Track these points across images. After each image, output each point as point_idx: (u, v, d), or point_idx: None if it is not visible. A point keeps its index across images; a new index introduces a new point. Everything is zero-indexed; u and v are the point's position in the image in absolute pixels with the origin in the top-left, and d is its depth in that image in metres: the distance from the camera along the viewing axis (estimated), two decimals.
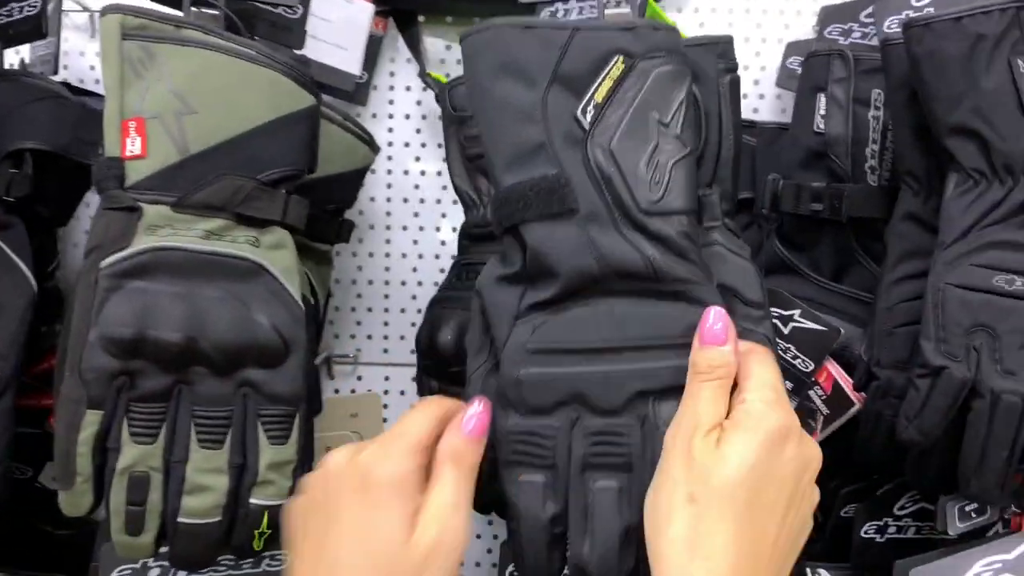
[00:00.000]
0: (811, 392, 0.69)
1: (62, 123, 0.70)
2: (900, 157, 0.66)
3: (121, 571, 0.57)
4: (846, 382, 0.67)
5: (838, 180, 0.70)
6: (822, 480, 0.45)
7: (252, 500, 0.52)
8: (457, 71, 0.86)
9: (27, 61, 0.83)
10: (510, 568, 0.61)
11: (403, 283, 0.87)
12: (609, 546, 0.45)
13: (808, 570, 0.68)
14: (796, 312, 0.68)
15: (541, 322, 0.48)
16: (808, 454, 0.43)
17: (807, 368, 0.69)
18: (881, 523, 0.70)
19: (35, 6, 0.74)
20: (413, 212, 0.88)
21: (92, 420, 0.50)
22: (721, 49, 0.56)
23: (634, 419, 0.46)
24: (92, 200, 0.83)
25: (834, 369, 0.68)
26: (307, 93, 0.57)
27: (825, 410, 0.69)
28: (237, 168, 0.54)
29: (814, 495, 0.44)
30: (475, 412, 0.45)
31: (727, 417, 0.43)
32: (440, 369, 0.63)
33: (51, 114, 0.70)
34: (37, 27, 0.74)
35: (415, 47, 0.84)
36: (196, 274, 0.53)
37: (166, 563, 0.58)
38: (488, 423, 0.45)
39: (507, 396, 0.47)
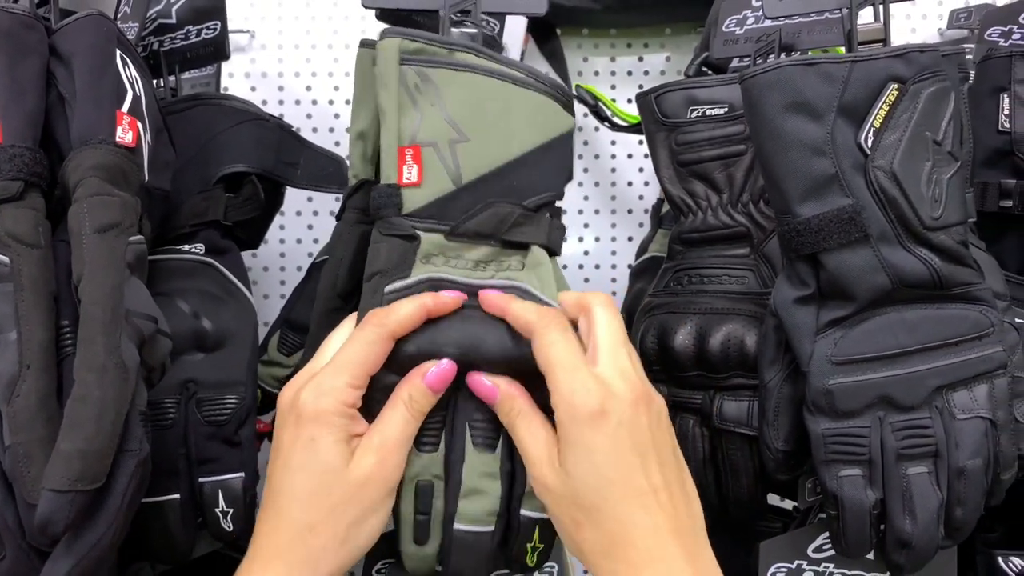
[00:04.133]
0: None
1: (266, 145, 0.70)
2: None
3: None
4: None
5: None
6: None
7: (523, 512, 0.52)
8: (595, 82, 0.89)
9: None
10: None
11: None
12: (929, 521, 0.53)
13: (1000, 559, 0.73)
14: None
15: (840, 336, 0.54)
16: (658, 406, 0.47)
17: None
18: None
19: (214, 29, 0.74)
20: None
21: None
22: (959, 59, 0.60)
23: (934, 411, 0.54)
24: None
25: None
26: (569, 115, 0.58)
27: None
28: (504, 195, 0.55)
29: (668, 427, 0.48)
30: (440, 367, 0.49)
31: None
32: (670, 374, 0.66)
33: (255, 136, 0.70)
34: (219, 49, 0.75)
35: (558, 60, 0.85)
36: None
37: None
38: (449, 380, 0.49)
39: (818, 404, 0.53)
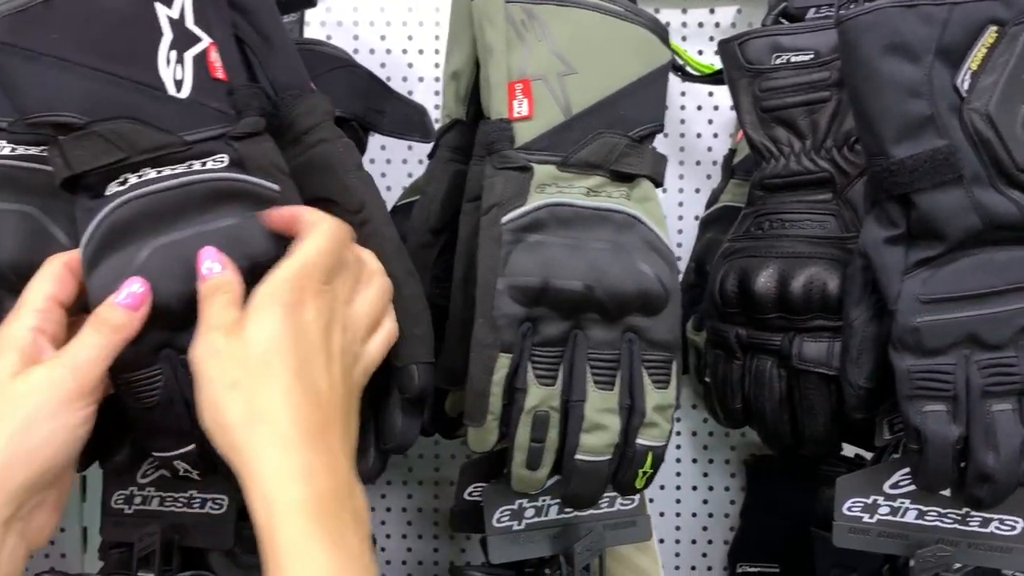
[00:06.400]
0: None
1: (356, 91, 0.72)
2: None
3: (502, 511, 0.61)
4: None
5: None
6: None
7: (639, 441, 0.56)
8: None
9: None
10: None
11: None
12: (1011, 456, 0.54)
13: None
14: None
15: (928, 275, 0.55)
16: (325, 305, 0.47)
17: None
18: None
19: None
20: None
21: (503, 363, 0.54)
22: None
23: (1020, 350, 0.54)
24: None
25: None
26: (666, 47, 0.60)
27: None
28: (611, 126, 0.57)
29: (346, 336, 0.48)
30: (133, 290, 0.46)
31: None
32: (749, 316, 0.67)
33: (346, 83, 0.72)
34: None
35: None
36: (583, 227, 0.56)
37: (540, 503, 0.62)
38: (147, 300, 0.47)
39: (904, 342, 0.55)
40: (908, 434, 0.55)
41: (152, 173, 0.48)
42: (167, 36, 0.49)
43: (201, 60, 0.50)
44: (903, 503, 0.62)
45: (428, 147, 0.82)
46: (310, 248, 0.47)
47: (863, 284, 0.58)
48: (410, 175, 0.96)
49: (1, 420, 0.43)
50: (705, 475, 0.96)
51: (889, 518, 0.62)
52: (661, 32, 0.60)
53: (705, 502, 0.96)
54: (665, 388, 0.57)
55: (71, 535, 0.96)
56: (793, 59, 0.69)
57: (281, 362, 0.44)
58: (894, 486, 0.63)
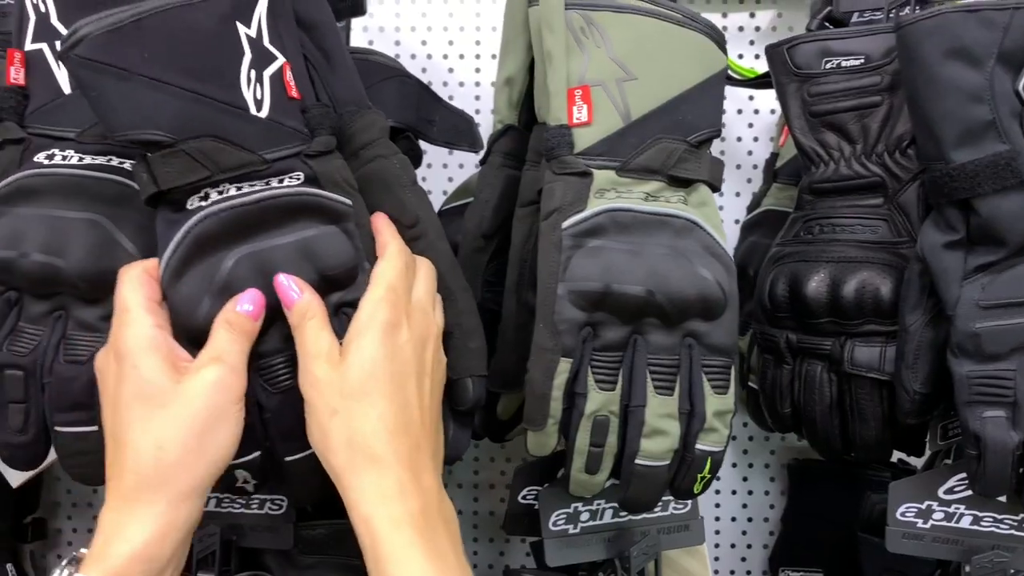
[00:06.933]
0: None
1: (407, 101, 0.73)
2: None
3: (558, 514, 0.61)
4: None
5: None
6: None
7: (698, 446, 0.56)
8: None
9: None
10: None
11: None
12: None
13: None
14: None
15: (988, 281, 0.55)
16: (421, 332, 0.50)
17: None
18: None
19: None
20: None
21: (564, 368, 0.54)
22: None
23: None
24: None
25: None
26: (722, 53, 0.60)
27: None
28: (669, 131, 0.58)
29: (440, 361, 0.53)
30: (255, 298, 0.48)
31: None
32: (800, 320, 0.67)
33: (398, 92, 0.73)
34: (357, 4, 0.76)
35: None
36: (642, 232, 0.56)
37: (595, 507, 0.63)
38: (263, 308, 0.48)
39: (963, 347, 0.55)
40: (967, 440, 0.55)
41: (232, 190, 0.49)
42: (247, 55, 0.50)
43: (278, 79, 0.52)
44: (958, 508, 0.62)
45: (466, 151, 0.84)
46: (389, 270, 0.50)
47: (920, 289, 0.59)
48: (451, 179, 0.96)
49: (179, 419, 0.45)
50: (744, 479, 0.96)
51: (944, 523, 0.62)
52: (718, 38, 0.60)
53: (744, 506, 0.96)
54: (724, 393, 0.57)
55: None
56: (844, 63, 0.69)
57: (377, 388, 0.47)
58: (948, 491, 0.62)
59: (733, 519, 0.96)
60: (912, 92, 0.56)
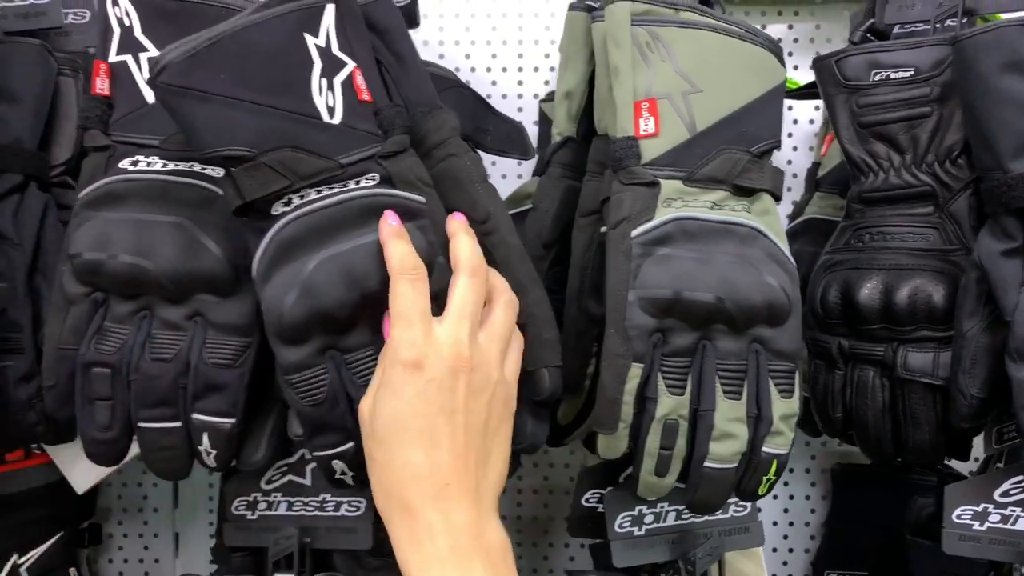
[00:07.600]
0: None
1: (464, 111, 0.74)
2: None
3: (623, 517, 0.63)
4: None
5: None
6: None
7: (764, 449, 0.57)
8: None
9: None
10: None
11: None
12: None
13: None
14: None
15: None
16: (451, 366, 0.49)
17: None
18: None
19: None
20: None
21: (635, 373, 0.56)
22: None
23: None
24: None
25: None
26: (781, 66, 0.62)
27: None
28: (733, 142, 0.59)
29: (474, 376, 0.50)
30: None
31: None
32: (852, 327, 0.69)
33: (456, 102, 0.74)
34: (411, 16, 0.77)
35: None
36: (709, 240, 0.58)
37: (659, 509, 0.64)
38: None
39: (1021, 352, 0.56)
40: None
41: (313, 194, 0.52)
42: (317, 65, 0.52)
43: (348, 85, 0.54)
44: (1014, 511, 0.63)
45: (518, 159, 0.85)
46: (465, 303, 0.51)
47: (977, 296, 0.60)
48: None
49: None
50: (786, 484, 0.97)
51: (1000, 526, 0.64)
52: (777, 51, 0.62)
53: (786, 511, 0.97)
54: (789, 397, 0.58)
55: (163, 541, 0.99)
56: (892, 75, 0.70)
57: (398, 438, 0.48)
58: (1004, 494, 0.64)
59: (774, 523, 0.97)
60: (969, 104, 0.58)
